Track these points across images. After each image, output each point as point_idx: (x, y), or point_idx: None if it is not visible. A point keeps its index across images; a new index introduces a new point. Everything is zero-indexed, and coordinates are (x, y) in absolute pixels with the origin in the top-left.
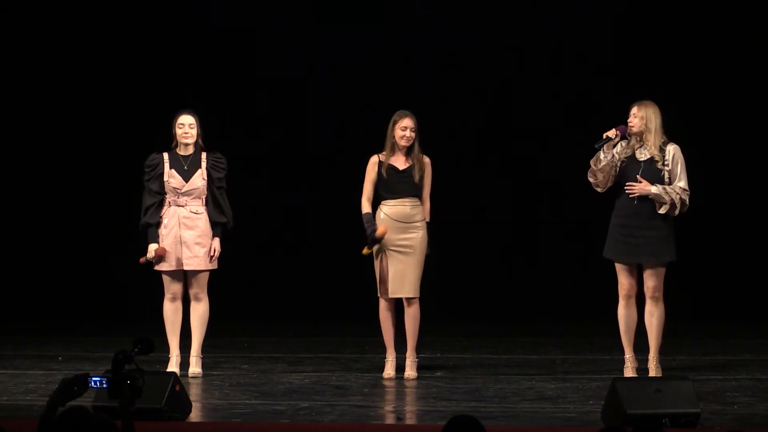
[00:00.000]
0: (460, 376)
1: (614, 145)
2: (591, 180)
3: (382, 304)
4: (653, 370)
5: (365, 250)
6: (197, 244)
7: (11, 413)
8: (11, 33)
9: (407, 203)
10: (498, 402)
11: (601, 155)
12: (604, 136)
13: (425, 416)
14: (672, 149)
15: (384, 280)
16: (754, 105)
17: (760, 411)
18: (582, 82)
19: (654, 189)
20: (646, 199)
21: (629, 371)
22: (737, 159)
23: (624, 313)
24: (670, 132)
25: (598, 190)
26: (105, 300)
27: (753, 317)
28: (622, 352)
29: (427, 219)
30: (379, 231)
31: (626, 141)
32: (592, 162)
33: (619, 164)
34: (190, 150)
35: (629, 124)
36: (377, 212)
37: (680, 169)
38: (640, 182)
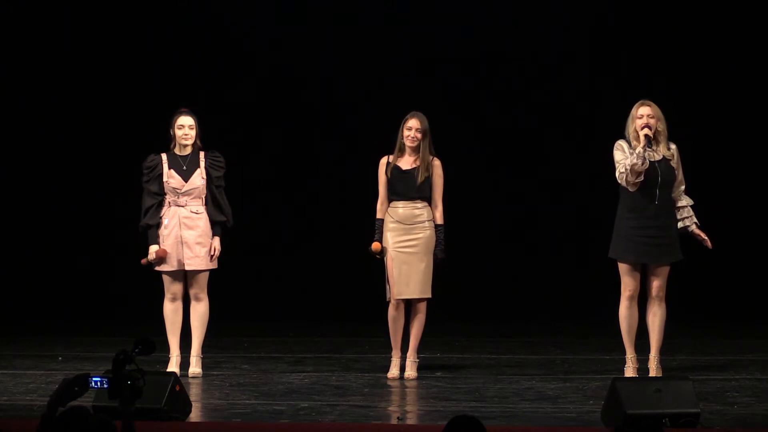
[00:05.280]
0: (460, 376)
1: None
2: (630, 180)
3: (391, 306)
4: (654, 370)
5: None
6: (198, 243)
7: (11, 413)
8: (11, 33)
9: (413, 205)
10: (498, 402)
11: (646, 155)
12: (644, 137)
13: (425, 416)
14: (675, 147)
15: (391, 284)
16: (754, 105)
17: (760, 411)
18: (584, 83)
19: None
20: (666, 201)
21: (630, 371)
22: (737, 159)
23: (627, 313)
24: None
25: (632, 189)
26: (105, 300)
27: (753, 317)
28: (623, 352)
29: (441, 222)
30: (373, 246)
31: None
32: (637, 165)
33: None
34: (188, 150)
35: (647, 125)
36: (386, 218)
37: (680, 167)
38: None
